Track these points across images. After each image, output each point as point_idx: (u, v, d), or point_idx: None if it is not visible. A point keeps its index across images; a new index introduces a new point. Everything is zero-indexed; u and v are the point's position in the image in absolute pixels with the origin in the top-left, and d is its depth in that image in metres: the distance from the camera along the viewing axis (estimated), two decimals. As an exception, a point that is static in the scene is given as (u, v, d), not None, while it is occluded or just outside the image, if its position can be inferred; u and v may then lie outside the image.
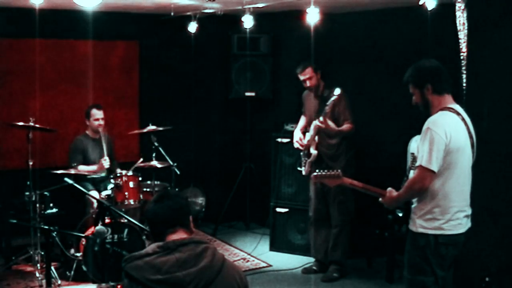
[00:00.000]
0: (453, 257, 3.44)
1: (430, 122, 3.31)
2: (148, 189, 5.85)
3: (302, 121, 5.74)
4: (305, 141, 5.49)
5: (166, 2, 5.66)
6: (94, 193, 5.59)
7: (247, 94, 6.92)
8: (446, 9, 4.49)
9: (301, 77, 5.46)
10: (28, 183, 5.34)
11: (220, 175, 7.48)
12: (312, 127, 5.38)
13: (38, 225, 5.21)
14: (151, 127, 6.00)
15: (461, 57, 4.28)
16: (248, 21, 5.83)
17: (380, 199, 3.55)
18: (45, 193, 5.37)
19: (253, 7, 5.60)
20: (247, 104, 7.08)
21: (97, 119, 5.98)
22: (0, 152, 6.35)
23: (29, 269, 5.53)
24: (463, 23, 4.22)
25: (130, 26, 6.83)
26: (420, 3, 4.52)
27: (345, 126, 5.36)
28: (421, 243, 3.35)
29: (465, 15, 4.20)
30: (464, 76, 4.30)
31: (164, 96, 7.13)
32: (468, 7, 4.19)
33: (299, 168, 5.68)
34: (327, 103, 5.12)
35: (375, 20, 6.06)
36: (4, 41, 6.27)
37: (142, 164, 5.91)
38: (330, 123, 5.23)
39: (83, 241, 5.08)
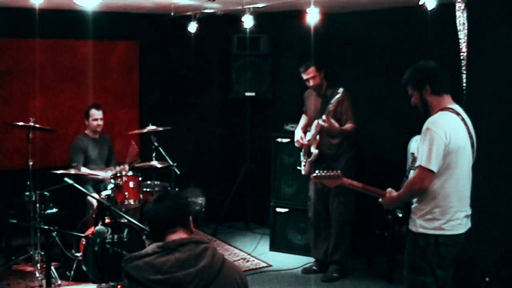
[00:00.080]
0: (453, 257, 3.44)
1: (429, 122, 3.32)
2: (148, 189, 5.85)
3: (303, 120, 5.74)
4: (306, 140, 5.48)
5: (166, 2, 5.66)
6: (94, 193, 5.59)
7: (247, 94, 6.92)
8: (446, 9, 4.48)
9: (304, 76, 5.45)
10: (28, 183, 5.34)
11: (220, 175, 7.48)
12: (313, 126, 5.37)
13: (38, 225, 5.21)
14: (151, 127, 6.00)
15: (461, 57, 4.28)
16: (248, 21, 5.83)
17: (380, 199, 3.55)
18: (45, 193, 5.36)
19: (253, 7, 5.60)
20: (247, 104, 7.08)
21: (96, 119, 5.98)
22: (0, 152, 6.35)
23: (29, 269, 5.53)
24: (463, 23, 4.22)
25: (130, 26, 6.84)
26: (420, 3, 4.52)
27: (348, 126, 5.35)
28: (421, 243, 3.35)
29: (465, 15, 4.20)
30: (464, 76, 4.30)
31: (164, 96, 7.13)
32: (468, 7, 4.19)
33: (298, 168, 5.67)
34: (331, 102, 5.11)
35: (375, 20, 6.06)
36: (4, 41, 6.28)
37: (142, 164, 5.91)
38: (333, 121, 5.22)
39: (83, 241, 5.08)
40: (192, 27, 6.29)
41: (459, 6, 4.20)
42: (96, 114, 5.99)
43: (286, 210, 6.16)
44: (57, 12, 6.19)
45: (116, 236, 4.83)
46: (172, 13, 6.19)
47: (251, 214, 7.21)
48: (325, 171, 3.78)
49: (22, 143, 5.74)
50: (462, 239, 3.41)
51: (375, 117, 5.90)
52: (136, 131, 6.38)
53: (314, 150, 5.39)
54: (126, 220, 4.90)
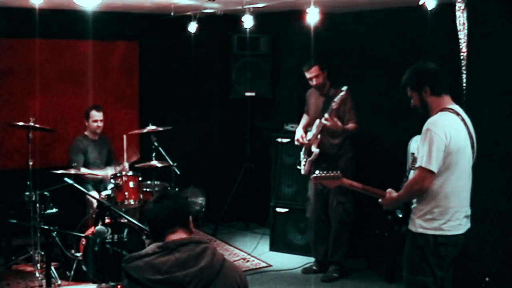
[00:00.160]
0: (452, 258, 3.44)
1: (429, 123, 3.32)
2: (148, 189, 5.85)
3: (304, 119, 5.74)
4: (306, 140, 5.48)
5: (166, 2, 5.66)
6: (94, 193, 5.59)
7: (247, 94, 6.92)
8: (446, 9, 4.48)
9: (307, 75, 5.44)
10: (28, 183, 5.34)
11: (220, 175, 7.48)
12: (315, 125, 5.37)
13: (38, 225, 5.21)
14: (151, 127, 5.99)
15: (461, 57, 4.28)
16: (248, 21, 5.82)
17: (380, 200, 3.54)
18: (45, 193, 5.36)
19: (253, 7, 5.60)
20: (247, 104, 7.08)
21: (96, 121, 5.98)
22: (0, 152, 6.35)
23: (29, 269, 5.53)
24: (463, 23, 4.22)
25: (130, 26, 6.84)
26: (420, 3, 4.52)
27: (350, 126, 5.35)
28: (420, 243, 3.35)
29: (465, 15, 4.20)
30: (464, 76, 4.30)
31: (164, 96, 7.13)
32: (468, 7, 4.19)
33: (298, 167, 5.67)
34: (335, 100, 5.10)
35: (375, 20, 6.06)
36: (4, 41, 6.27)
37: (142, 164, 5.91)
38: (336, 120, 5.21)
39: (83, 241, 5.08)
40: (192, 27, 6.29)
41: (459, 6, 4.20)
42: (96, 115, 5.98)
43: (286, 210, 6.16)
44: (57, 12, 6.18)
45: (116, 236, 4.84)
46: (172, 13, 6.19)
47: (251, 214, 7.21)
48: (325, 172, 3.78)
49: (22, 143, 5.74)
50: (462, 239, 3.41)
51: (375, 117, 5.90)
52: (136, 131, 6.38)
53: (315, 149, 5.39)
54: (126, 220, 4.90)
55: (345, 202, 5.47)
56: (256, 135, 7.20)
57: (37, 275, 5.22)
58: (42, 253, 5.34)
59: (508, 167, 4.29)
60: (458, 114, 3.37)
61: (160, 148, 6.02)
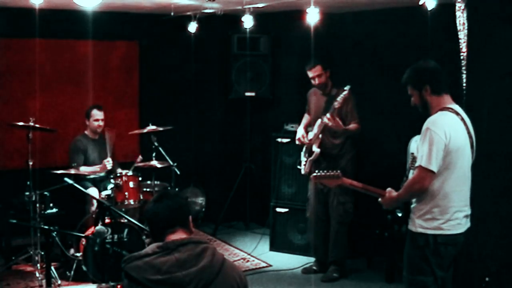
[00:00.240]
0: (452, 257, 3.44)
1: (429, 122, 3.32)
2: (148, 189, 5.85)
3: (305, 119, 5.73)
4: (307, 139, 5.47)
5: (166, 2, 5.66)
6: (94, 192, 5.59)
7: (247, 94, 6.92)
8: (446, 9, 4.48)
9: (310, 74, 5.44)
10: (28, 183, 5.34)
11: (220, 175, 7.48)
12: (316, 125, 5.37)
13: (38, 225, 5.21)
14: (151, 127, 5.99)
15: (461, 57, 4.28)
16: (248, 21, 5.83)
17: (380, 199, 3.55)
18: (45, 193, 5.36)
19: (253, 7, 5.60)
20: (247, 104, 7.08)
21: (97, 120, 5.98)
22: (0, 152, 6.35)
23: (29, 269, 5.53)
24: (463, 23, 4.22)
25: (130, 26, 6.83)
26: (420, 3, 4.52)
27: (352, 126, 5.34)
28: (420, 243, 3.35)
29: (465, 15, 4.20)
30: (464, 76, 4.30)
31: (164, 96, 7.13)
32: (468, 7, 4.19)
33: (298, 167, 5.67)
34: (337, 99, 5.09)
35: (375, 20, 6.06)
36: (4, 41, 6.27)
37: (142, 164, 5.91)
38: (338, 120, 5.20)
39: (83, 241, 5.08)
40: (192, 27, 6.29)
41: (459, 6, 4.20)
42: (98, 114, 5.99)
43: (286, 210, 6.16)
44: (57, 12, 6.18)
45: (116, 236, 4.84)
46: (172, 13, 6.19)
47: (251, 214, 7.21)
48: (325, 171, 3.78)
49: (22, 143, 5.74)
50: (462, 239, 3.41)
51: (375, 117, 5.90)
52: (136, 131, 6.38)
53: (316, 149, 5.38)
54: (126, 220, 4.90)
55: (345, 202, 5.47)
56: (256, 135, 7.20)
57: (37, 275, 5.22)
58: (42, 253, 5.34)
59: (508, 167, 4.28)
60: (457, 113, 3.37)
61: (160, 148, 6.03)
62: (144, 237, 5.20)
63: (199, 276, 2.22)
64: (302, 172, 5.58)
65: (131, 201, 5.50)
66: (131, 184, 5.52)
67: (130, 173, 5.58)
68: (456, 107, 3.41)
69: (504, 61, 4.29)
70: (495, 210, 4.32)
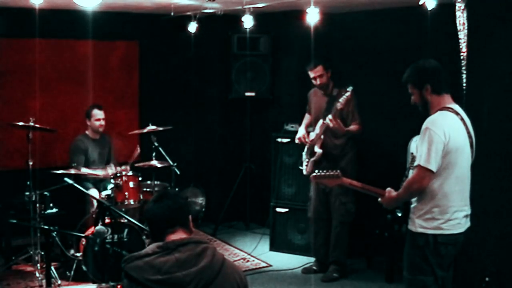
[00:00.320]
0: (452, 257, 3.44)
1: (429, 122, 3.32)
2: (148, 189, 5.85)
3: (306, 119, 5.73)
4: (309, 140, 5.47)
5: (166, 2, 5.66)
6: (94, 193, 5.60)
7: (247, 94, 6.92)
8: (446, 9, 4.48)
9: (312, 74, 5.43)
10: (28, 183, 5.34)
11: (220, 175, 7.48)
12: (318, 125, 5.37)
13: (38, 225, 5.21)
14: (151, 127, 6.00)
15: (461, 57, 4.28)
16: (248, 21, 5.82)
17: (379, 199, 3.55)
18: (45, 193, 5.37)
19: (253, 7, 5.60)
20: (247, 104, 7.08)
21: (98, 119, 5.99)
22: (0, 152, 6.35)
23: (29, 269, 5.53)
24: (463, 23, 4.22)
25: (130, 26, 6.83)
26: (420, 3, 4.52)
27: (353, 127, 5.34)
28: (420, 243, 3.35)
29: (465, 15, 4.20)
30: (464, 76, 4.30)
31: (164, 96, 7.13)
32: (468, 7, 4.19)
33: (300, 167, 5.67)
34: (339, 100, 5.09)
35: (375, 20, 6.06)
36: (4, 41, 6.27)
37: (141, 164, 5.91)
38: (339, 122, 5.20)
39: (83, 241, 5.08)
40: (192, 27, 6.29)
41: (459, 6, 4.20)
42: (99, 114, 5.99)
43: (286, 210, 6.16)
44: (57, 12, 6.18)
45: (116, 236, 4.84)
46: (172, 13, 6.19)
47: (251, 214, 7.21)
48: (324, 171, 3.78)
49: (22, 143, 5.74)
50: (462, 238, 3.41)
51: (375, 117, 5.90)
52: (136, 131, 6.38)
53: (317, 150, 5.38)
54: (126, 220, 4.90)
55: (347, 202, 5.46)
56: (256, 135, 7.20)
57: (37, 275, 5.22)
58: (42, 253, 5.34)
59: (508, 167, 4.29)
60: (457, 113, 3.37)
61: (160, 148, 6.03)
62: (144, 237, 5.20)
63: (199, 276, 2.22)
64: (304, 172, 5.57)
65: (131, 201, 5.50)
66: (131, 184, 5.52)
67: (130, 173, 5.58)
68: (456, 107, 3.41)
69: (504, 61, 4.29)
70: (495, 210, 4.32)
